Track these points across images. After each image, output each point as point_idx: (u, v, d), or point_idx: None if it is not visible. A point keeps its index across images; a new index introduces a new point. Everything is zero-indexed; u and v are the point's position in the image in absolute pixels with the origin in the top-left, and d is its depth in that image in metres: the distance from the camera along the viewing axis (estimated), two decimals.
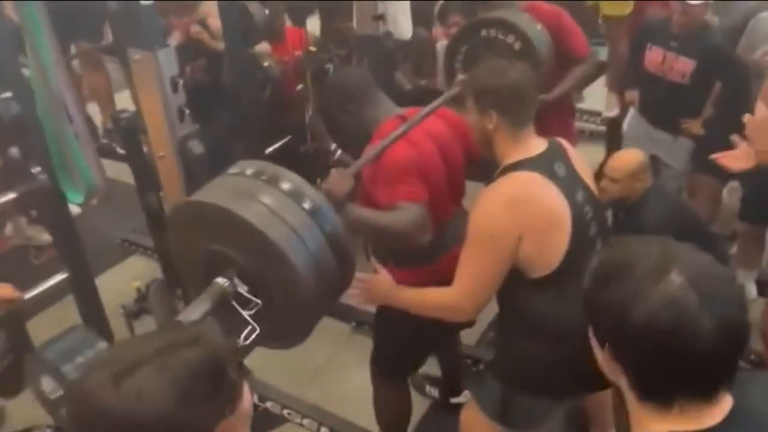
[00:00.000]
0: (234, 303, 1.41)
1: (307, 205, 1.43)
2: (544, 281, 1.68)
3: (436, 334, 2.14)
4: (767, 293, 3.15)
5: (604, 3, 4.36)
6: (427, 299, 1.81)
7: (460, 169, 2.08)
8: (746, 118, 2.00)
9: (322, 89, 2.22)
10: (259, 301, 1.41)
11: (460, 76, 2.38)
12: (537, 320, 1.75)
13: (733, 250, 3.31)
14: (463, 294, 1.73)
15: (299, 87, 3.26)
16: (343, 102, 2.05)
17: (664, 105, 3.19)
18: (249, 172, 1.47)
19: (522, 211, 1.65)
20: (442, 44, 3.50)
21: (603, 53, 4.98)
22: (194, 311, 1.37)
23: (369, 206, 1.90)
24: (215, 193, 1.48)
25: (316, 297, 1.43)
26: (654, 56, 3.15)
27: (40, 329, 2.40)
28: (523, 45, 2.52)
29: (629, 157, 2.74)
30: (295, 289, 1.40)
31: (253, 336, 1.37)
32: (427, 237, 1.87)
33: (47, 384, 2.18)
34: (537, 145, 1.77)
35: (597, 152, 3.77)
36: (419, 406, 2.76)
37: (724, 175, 3.24)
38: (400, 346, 2.19)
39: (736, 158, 2.00)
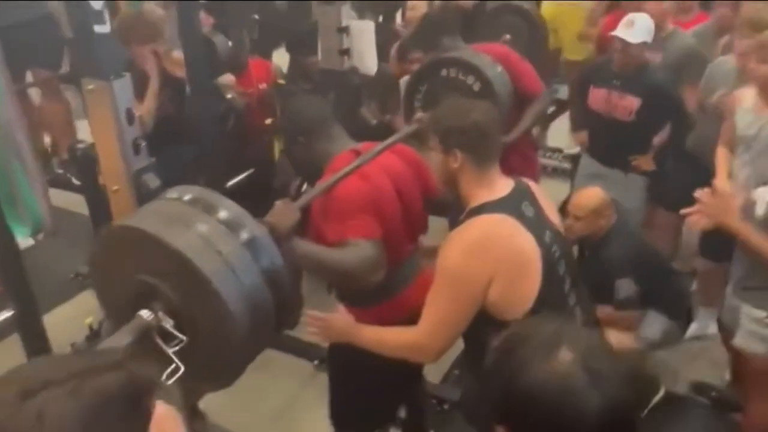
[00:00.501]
0: (158, 339, 1.32)
1: (243, 236, 1.36)
2: None
3: (392, 380, 2.05)
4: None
5: (566, 47, 4.48)
6: (390, 339, 1.76)
7: (417, 207, 2.04)
8: (698, 194, 2.06)
9: (281, 115, 2.20)
10: (184, 338, 1.32)
11: (419, 114, 2.37)
12: None
13: (694, 286, 3.35)
14: (428, 335, 1.69)
15: (268, 121, 3.22)
16: (295, 133, 2.02)
17: (613, 143, 3.27)
18: (186, 198, 1.40)
19: (491, 254, 1.62)
20: (406, 80, 3.52)
21: (563, 91, 5.10)
22: (111, 345, 1.29)
23: (319, 243, 1.82)
24: (146, 218, 1.40)
25: (247, 335, 1.35)
26: (598, 96, 3.24)
27: None
28: (483, 86, 2.54)
29: (592, 195, 2.78)
30: (224, 326, 1.32)
31: (177, 375, 1.27)
32: (380, 275, 1.81)
33: None
34: (503, 186, 1.75)
35: (559, 188, 3.81)
36: None
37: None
38: (357, 397, 2.10)
39: (707, 214, 2.06)
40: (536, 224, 1.71)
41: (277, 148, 3.44)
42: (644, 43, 3.03)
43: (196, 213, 1.36)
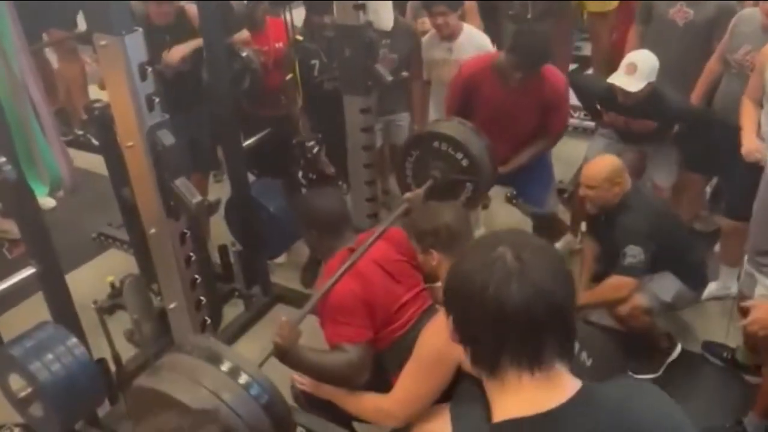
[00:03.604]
0: None
1: (242, 381, 1.61)
2: None
3: None
4: None
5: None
6: (366, 402, 2.00)
7: (416, 282, 2.19)
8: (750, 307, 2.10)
9: (300, 205, 2.42)
10: None
11: (406, 194, 2.58)
12: None
13: (717, 247, 3.30)
14: (398, 403, 1.90)
15: (289, 77, 3.21)
16: (309, 225, 2.25)
17: (634, 138, 3.25)
18: (196, 353, 1.67)
19: None
20: (427, 37, 3.45)
21: (587, 48, 4.98)
22: None
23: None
24: (163, 377, 1.65)
25: None
26: (613, 119, 3.19)
27: (14, 324, 2.34)
28: (470, 163, 2.69)
29: (604, 164, 2.76)
30: None
31: None
32: (364, 378, 2.00)
33: (15, 381, 2.13)
34: None
35: (580, 147, 3.75)
36: None
37: (708, 172, 3.27)
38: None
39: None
40: None
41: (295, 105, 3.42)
42: (648, 84, 2.90)
43: (204, 366, 1.63)
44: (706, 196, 3.62)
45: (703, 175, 3.30)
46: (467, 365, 1.65)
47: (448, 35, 3.31)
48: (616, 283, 2.65)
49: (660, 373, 2.80)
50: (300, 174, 3.55)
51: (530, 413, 0.90)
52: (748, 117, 2.73)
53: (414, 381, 1.87)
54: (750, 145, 2.65)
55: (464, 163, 2.68)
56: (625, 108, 3.04)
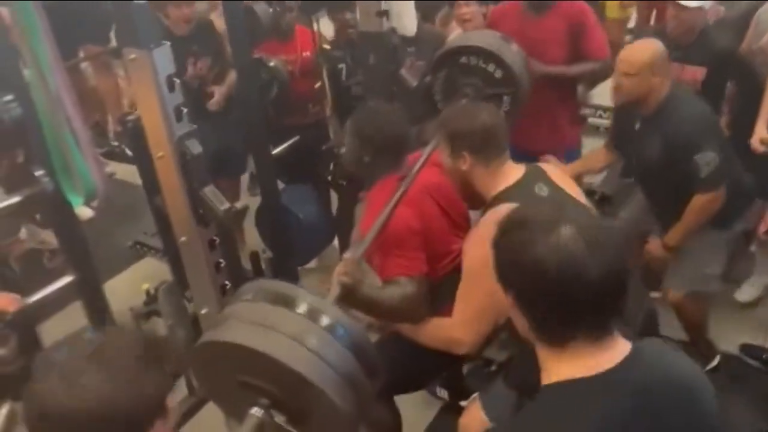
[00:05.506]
0: None
1: (325, 323, 1.37)
2: None
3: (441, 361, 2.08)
4: None
5: (607, 5, 4.39)
6: (430, 328, 1.90)
7: (461, 209, 2.12)
8: None
9: (355, 121, 2.19)
10: None
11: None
12: None
13: (753, 246, 3.22)
14: (460, 326, 1.80)
15: (317, 85, 3.25)
16: (364, 142, 2.09)
17: None
18: (262, 297, 1.43)
19: None
20: (452, 38, 3.44)
21: None
22: None
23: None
24: (233, 329, 1.40)
25: (353, 410, 1.37)
26: None
27: (55, 332, 2.41)
28: (504, 73, 2.53)
29: (645, 47, 2.35)
30: (330, 411, 1.33)
31: None
32: (420, 314, 1.90)
33: None
34: (515, 173, 1.82)
35: None
36: (429, 408, 2.72)
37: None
38: (405, 366, 2.09)
39: None
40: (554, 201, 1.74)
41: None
42: (701, 9, 2.78)
43: (277, 311, 1.38)
44: None
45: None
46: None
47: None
48: (701, 204, 2.28)
49: None
50: (330, 180, 3.60)
51: (587, 374, 0.98)
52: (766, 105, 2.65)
53: (467, 297, 1.77)
54: (761, 133, 2.52)
55: (498, 74, 2.51)
56: (673, 49, 2.74)
